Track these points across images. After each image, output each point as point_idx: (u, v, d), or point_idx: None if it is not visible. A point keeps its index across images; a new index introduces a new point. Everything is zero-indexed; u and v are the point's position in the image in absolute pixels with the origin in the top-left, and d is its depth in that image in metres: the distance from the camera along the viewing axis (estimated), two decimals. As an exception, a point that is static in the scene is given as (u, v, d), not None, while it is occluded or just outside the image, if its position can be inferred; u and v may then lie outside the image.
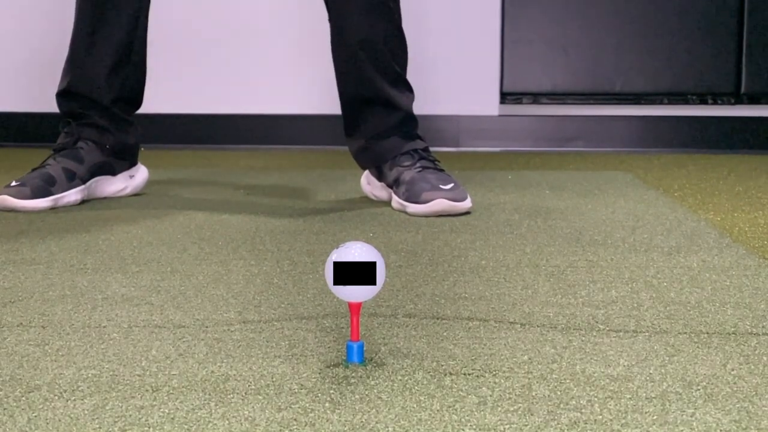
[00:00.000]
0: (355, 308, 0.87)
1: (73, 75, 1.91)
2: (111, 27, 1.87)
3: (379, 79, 1.86)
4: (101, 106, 1.92)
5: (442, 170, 1.83)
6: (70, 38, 1.91)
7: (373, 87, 1.86)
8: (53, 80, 3.22)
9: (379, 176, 1.90)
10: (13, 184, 1.81)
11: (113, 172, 1.94)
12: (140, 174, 2.01)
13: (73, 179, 1.85)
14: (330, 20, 1.88)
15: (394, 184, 1.84)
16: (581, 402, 0.79)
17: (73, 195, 1.84)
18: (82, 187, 1.87)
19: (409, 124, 1.90)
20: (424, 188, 1.75)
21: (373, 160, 1.90)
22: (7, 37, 3.25)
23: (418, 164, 1.83)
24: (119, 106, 1.93)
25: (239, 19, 3.19)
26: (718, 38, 3.19)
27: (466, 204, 1.75)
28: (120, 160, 1.96)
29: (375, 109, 1.87)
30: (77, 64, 1.90)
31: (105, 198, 1.95)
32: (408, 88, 1.90)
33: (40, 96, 3.25)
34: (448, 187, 1.75)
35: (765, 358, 0.91)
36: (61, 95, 1.93)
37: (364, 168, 1.96)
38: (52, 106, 3.23)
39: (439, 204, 1.72)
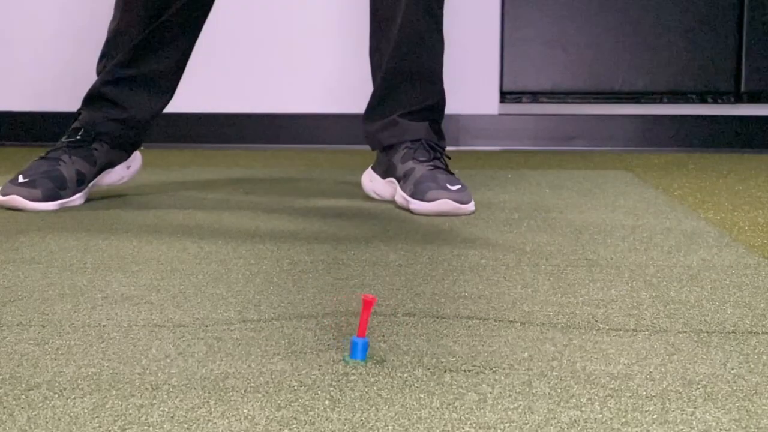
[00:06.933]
0: (368, 303, 0.86)
1: (137, 59, 1.87)
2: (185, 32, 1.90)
3: (436, 54, 1.88)
4: (166, 94, 1.93)
5: (452, 173, 1.83)
6: (121, 24, 1.87)
7: (428, 61, 1.88)
8: (54, 80, 3.23)
9: (387, 169, 1.89)
10: (21, 180, 1.77)
11: (113, 166, 1.93)
12: (135, 163, 2.00)
13: (82, 183, 1.84)
14: None
15: (402, 178, 1.83)
16: (581, 400, 0.79)
17: (78, 200, 1.83)
18: (88, 189, 1.86)
19: (440, 114, 1.92)
20: (430, 187, 1.75)
21: (397, 136, 1.88)
22: (9, 36, 3.25)
23: (431, 162, 1.83)
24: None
25: (235, 18, 3.19)
26: (719, 37, 3.19)
27: (470, 207, 1.75)
28: (123, 152, 1.94)
29: (419, 83, 1.88)
30: (152, 52, 1.88)
31: (104, 189, 1.95)
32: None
33: (41, 95, 3.25)
34: (455, 188, 1.75)
35: (765, 357, 0.91)
36: (119, 78, 1.88)
37: (375, 149, 1.94)
38: (53, 105, 3.22)
39: (444, 204, 1.72)
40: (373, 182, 1.95)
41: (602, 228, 1.60)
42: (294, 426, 0.73)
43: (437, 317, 1.04)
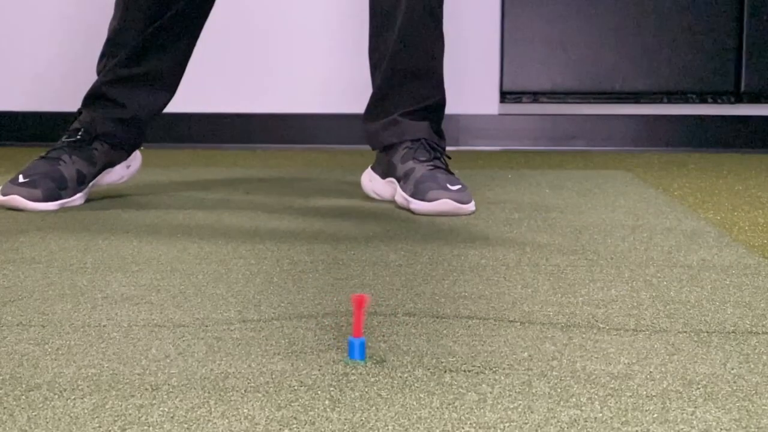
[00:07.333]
0: (358, 303, 0.86)
1: (138, 58, 1.87)
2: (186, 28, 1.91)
3: (436, 54, 1.88)
4: (168, 92, 1.93)
5: (451, 173, 1.83)
6: (122, 23, 1.86)
7: (428, 60, 1.88)
8: (54, 80, 3.23)
9: (387, 169, 1.89)
10: (21, 180, 1.77)
11: (113, 165, 1.93)
12: (135, 162, 1.99)
13: (83, 183, 1.83)
14: None
15: (402, 178, 1.83)
16: (581, 399, 0.79)
17: (78, 200, 1.83)
18: (88, 189, 1.86)
19: (441, 114, 1.92)
20: (431, 187, 1.75)
21: (398, 136, 1.88)
22: (9, 36, 3.25)
23: (431, 162, 1.83)
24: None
25: (235, 19, 3.19)
26: (719, 37, 3.19)
27: (470, 207, 1.75)
28: (123, 152, 1.94)
29: (419, 83, 1.88)
30: (155, 50, 1.88)
31: (104, 189, 1.95)
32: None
33: (41, 95, 3.25)
34: (456, 188, 1.75)
35: (765, 357, 0.91)
36: (120, 77, 1.88)
37: (375, 148, 1.94)
38: (53, 105, 3.22)
39: (445, 204, 1.72)
40: (372, 182, 1.95)
41: (602, 228, 1.60)
42: (294, 426, 0.73)
43: (437, 317, 1.04)
